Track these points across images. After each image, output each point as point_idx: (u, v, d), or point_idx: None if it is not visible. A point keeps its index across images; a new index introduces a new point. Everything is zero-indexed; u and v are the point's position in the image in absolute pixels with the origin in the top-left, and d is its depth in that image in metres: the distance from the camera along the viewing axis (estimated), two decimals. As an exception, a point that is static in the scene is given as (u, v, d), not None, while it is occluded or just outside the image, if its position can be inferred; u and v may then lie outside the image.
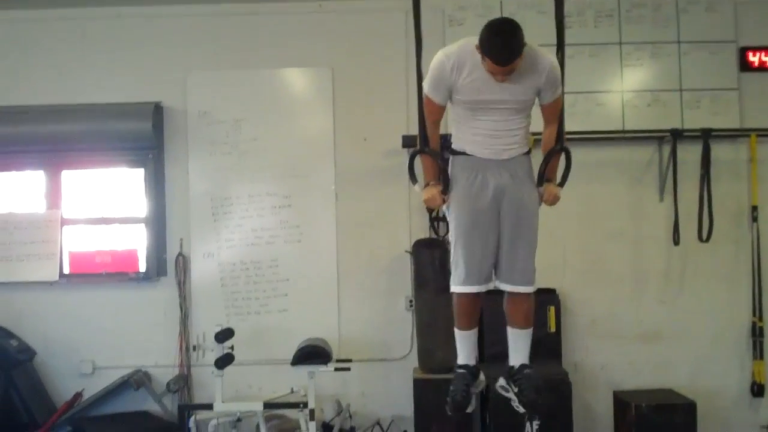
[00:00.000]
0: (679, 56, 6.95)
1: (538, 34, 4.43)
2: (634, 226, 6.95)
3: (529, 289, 4.39)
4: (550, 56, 4.23)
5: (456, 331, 4.53)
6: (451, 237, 4.44)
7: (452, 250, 4.41)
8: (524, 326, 4.45)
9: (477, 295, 4.38)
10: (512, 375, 4.50)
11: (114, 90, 6.97)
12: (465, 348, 4.53)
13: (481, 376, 4.69)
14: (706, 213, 6.68)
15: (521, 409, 4.47)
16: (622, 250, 6.95)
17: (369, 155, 6.97)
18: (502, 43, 3.95)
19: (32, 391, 6.76)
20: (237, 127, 7.02)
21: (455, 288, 4.40)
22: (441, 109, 4.37)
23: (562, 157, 4.41)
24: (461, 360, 4.55)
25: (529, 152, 4.43)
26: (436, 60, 4.25)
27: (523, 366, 4.46)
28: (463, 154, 4.37)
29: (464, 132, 4.37)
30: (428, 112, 4.34)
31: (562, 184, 4.43)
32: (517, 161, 4.35)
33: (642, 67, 6.97)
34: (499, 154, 4.31)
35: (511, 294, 4.41)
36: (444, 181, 4.34)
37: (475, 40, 4.05)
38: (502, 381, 4.59)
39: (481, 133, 4.30)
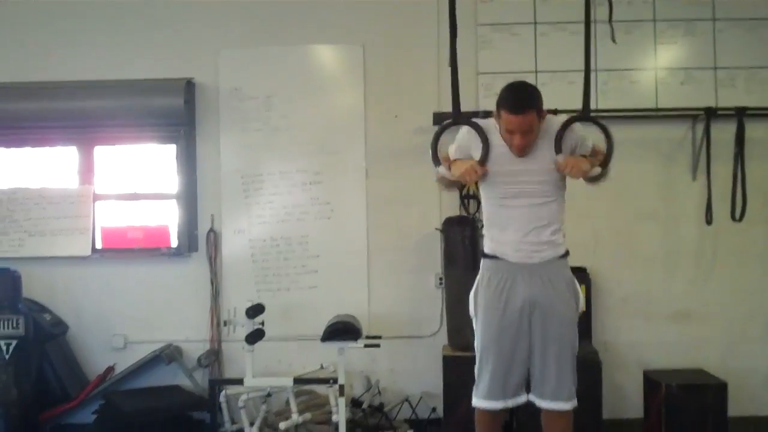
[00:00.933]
0: (714, 33, 6.87)
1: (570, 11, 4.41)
2: (666, 205, 6.91)
3: (563, 406, 4.20)
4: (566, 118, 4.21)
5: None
6: (476, 346, 4.33)
7: (476, 360, 4.30)
8: None
9: (499, 412, 4.25)
10: None
11: (147, 66, 7.00)
12: None
13: None
14: (739, 192, 6.62)
15: None
16: (653, 230, 6.91)
17: (400, 132, 6.95)
18: (516, 90, 4.05)
19: (65, 365, 6.83)
20: (268, 104, 7.03)
21: (476, 402, 4.28)
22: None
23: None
24: None
25: (565, 255, 4.28)
26: (461, 131, 4.30)
27: None
28: (493, 257, 4.26)
29: (494, 231, 4.26)
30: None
31: (605, 164, 4.26)
32: (551, 266, 4.19)
33: (676, 45, 6.90)
34: (530, 257, 4.15)
35: (545, 410, 4.24)
36: (484, 151, 4.19)
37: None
38: None
39: (510, 229, 4.18)
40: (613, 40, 4.39)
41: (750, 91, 6.81)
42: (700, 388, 6.06)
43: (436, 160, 4.32)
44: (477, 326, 4.30)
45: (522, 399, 4.22)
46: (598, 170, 4.23)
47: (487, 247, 4.32)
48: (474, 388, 4.28)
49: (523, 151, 4.08)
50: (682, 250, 6.90)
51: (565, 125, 4.16)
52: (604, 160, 4.24)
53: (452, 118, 4.46)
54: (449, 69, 4.61)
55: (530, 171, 4.13)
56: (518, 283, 4.15)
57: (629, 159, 6.69)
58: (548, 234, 4.20)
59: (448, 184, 4.53)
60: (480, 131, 4.23)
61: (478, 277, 4.30)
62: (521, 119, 3.96)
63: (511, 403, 4.19)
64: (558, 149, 4.16)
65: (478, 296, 4.26)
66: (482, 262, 4.33)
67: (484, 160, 4.19)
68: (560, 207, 4.25)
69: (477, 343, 4.30)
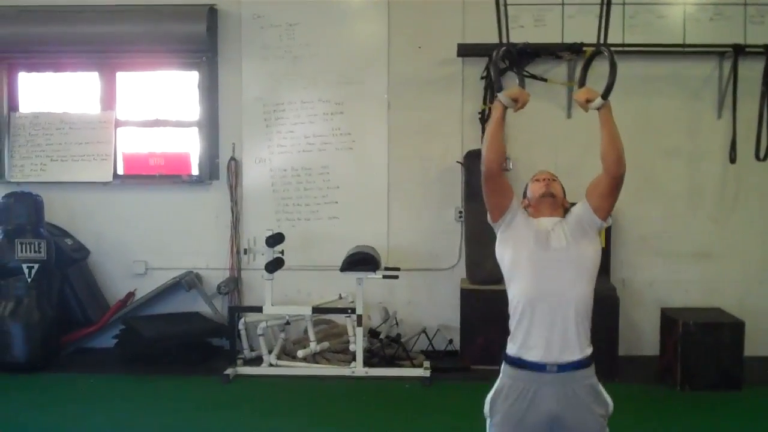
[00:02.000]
0: (746, -32, 6.74)
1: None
2: (689, 142, 6.85)
3: None
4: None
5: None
6: None
7: None
8: None
9: None
10: None
11: (169, -8, 6.94)
12: None
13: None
14: (765, 131, 6.55)
15: None
16: (676, 167, 6.86)
17: (423, 64, 6.89)
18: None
19: (86, 290, 6.92)
20: (290, 32, 6.97)
21: None
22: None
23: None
24: None
25: (592, 359, 3.71)
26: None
27: None
28: (518, 362, 3.70)
29: (519, 323, 3.91)
30: None
31: (605, 95, 4.13)
32: (579, 378, 3.66)
33: (706, -20, 6.78)
34: (556, 357, 3.60)
35: None
36: (520, 80, 4.16)
37: None
38: None
39: (538, 324, 3.79)
40: None
41: (780, 28, 6.70)
42: (716, 327, 6.06)
43: (499, 85, 4.12)
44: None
45: None
46: (600, 101, 4.05)
47: (510, 349, 3.73)
48: None
49: (550, 192, 3.85)
50: (705, 188, 6.85)
51: None
52: (605, 89, 4.05)
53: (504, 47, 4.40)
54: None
55: (553, 240, 3.89)
56: (540, 395, 3.65)
57: (654, 95, 6.64)
58: (573, 337, 3.64)
59: (494, 135, 4.21)
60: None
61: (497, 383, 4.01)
62: (546, 175, 3.81)
63: None
64: (582, 83, 4.09)
65: (496, 404, 3.95)
66: (503, 368, 3.71)
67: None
68: (588, 286, 3.70)
69: None
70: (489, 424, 3.85)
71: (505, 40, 4.67)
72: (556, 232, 3.62)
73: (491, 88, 4.22)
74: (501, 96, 3.93)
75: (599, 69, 3.66)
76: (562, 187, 3.76)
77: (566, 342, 3.61)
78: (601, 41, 4.35)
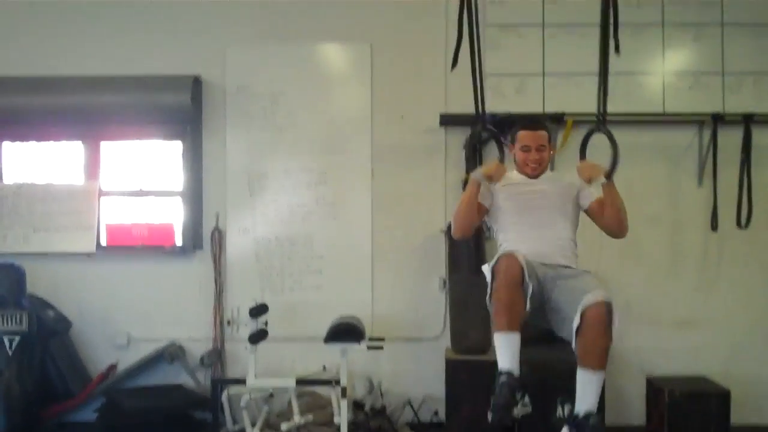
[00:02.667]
0: (723, 38, 6.85)
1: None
2: (671, 210, 6.89)
3: (605, 298, 3.98)
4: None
5: (495, 335, 4.05)
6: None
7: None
8: (597, 367, 3.97)
9: (517, 266, 4.00)
10: (575, 422, 4.02)
11: (153, 63, 6.98)
12: (506, 353, 4.02)
13: (527, 399, 4.25)
14: (745, 199, 6.62)
15: None
16: (659, 235, 6.89)
17: (406, 133, 6.94)
18: (531, 115, 4.66)
19: (68, 362, 6.83)
20: (275, 102, 7.01)
21: (494, 261, 4.10)
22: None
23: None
24: (502, 365, 4.02)
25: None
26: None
27: (588, 415, 3.97)
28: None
29: (508, 245, 4.43)
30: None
31: (610, 175, 4.31)
32: (563, 268, 4.41)
33: (684, 49, 6.88)
34: (546, 261, 4.39)
35: (587, 313, 3.97)
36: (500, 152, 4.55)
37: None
38: (559, 412, 4.17)
39: (524, 245, 4.33)
40: (617, 51, 4.39)
41: (758, 97, 6.80)
42: (703, 396, 6.06)
43: (470, 168, 4.52)
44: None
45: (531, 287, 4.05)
46: (603, 180, 4.36)
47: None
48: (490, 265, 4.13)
49: (538, 167, 4.34)
50: (688, 255, 6.88)
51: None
52: (610, 169, 4.33)
53: (478, 124, 4.71)
54: (467, 69, 4.72)
55: (545, 185, 4.48)
56: (538, 266, 4.29)
57: (635, 164, 6.68)
58: (562, 247, 4.48)
59: (466, 209, 4.49)
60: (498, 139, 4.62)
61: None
62: (536, 134, 4.38)
63: (523, 261, 4.00)
64: (582, 156, 4.48)
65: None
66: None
67: (501, 159, 4.50)
68: (573, 227, 4.55)
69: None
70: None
71: (482, 113, 4.79)
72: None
73: (471, 158, 4.60)
74: (474, 174, 4.29)
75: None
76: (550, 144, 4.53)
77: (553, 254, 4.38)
78: (600, 113, 4.46)
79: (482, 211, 4.57)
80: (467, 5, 4.45)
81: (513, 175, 4.64)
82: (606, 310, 3.97)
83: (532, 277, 4.07)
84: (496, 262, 4.09)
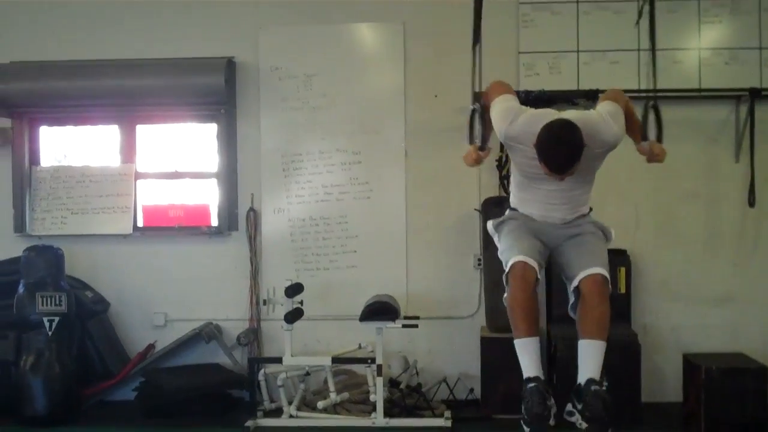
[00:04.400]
0: (760, 12, 6.76)
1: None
2: (708, 186, 6.83)
3: (602, 270, 4.03)
4: (604, 132, 4.14)
5: (516, 342, 4.09)
6: (500, 245, 4.31)
7: (502, 253, 4.23)
8: (595, 335, 3.98)
9: (532, 271, 4.01)
10: (577, 393, 4.02)
11: (187, 45, 7.02)
12: (529, 359, 4.05)
13: (552, 400, 4.07)
14: (783, 174, 6.55)
15: (584, 426, 4.03)
16: (695, 211, 6.84)
17: (439, 112, 6.91)
18: (559, 153, 3.91)
19: (107, 342, 6.91)
20: (308, 83, 7.02)
21: (507, 267, 4.09)
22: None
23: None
24: (528, 372, 4.03)
25: (589, 212, 4.39)
26: (502, 115, 4.25)
27: (590, 382, 3.96)
28: (517, 211, 4.37)
29: (520, 196, 4.35)
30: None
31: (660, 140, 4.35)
32: (576, 221, 4.33)
33: (720, 24, 6.79)
34: (555, 221, 4.29)
35: (583, 286, 4.05)
36: (482, 139, 4.35)
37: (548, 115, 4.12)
38: (569, 407, 4.12)
39: (537, 203, 4.28)
40: (638, 20, 4.40)
41: (796, 71, 6.71)
42: (740, 372, 6.00)
43: (471, 138, 4.35)
44: (500, 232, 4.32)
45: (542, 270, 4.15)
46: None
47: (513, 203, 4.40)
48: (506, 266, 4.12)
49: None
50: (724, 232, 6.83)
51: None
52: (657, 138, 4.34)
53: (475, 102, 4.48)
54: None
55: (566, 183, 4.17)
56: (545, 228, 4.27)
57: (672, 140, 6.41)
58: (577, 204, 4.30)
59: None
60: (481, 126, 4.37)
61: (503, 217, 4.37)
62: (564, 176, 4.00)
63: (535, 263, 4.02)
64: (644, 137, 4.34)
65: (502, 218, 4.35)
66: (507, 211, 4.41)
67: (484, 146, 4.33)
68: (590, 185, 4.32)
69: (501, 241, 4.28)
70: (499, 233, 4.34)
71: (477, 89, 4.69)
72: None
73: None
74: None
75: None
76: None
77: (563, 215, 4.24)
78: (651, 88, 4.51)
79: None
80: None
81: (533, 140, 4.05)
82: (602, 280, 4.02)
83: (541, 253, 4.19)
84: (511, 268, 4.06)
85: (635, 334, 6.24)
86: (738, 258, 6.81)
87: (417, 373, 6.73)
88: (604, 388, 3.96)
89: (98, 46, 7.08)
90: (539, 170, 4.04)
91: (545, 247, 4.25)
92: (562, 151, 3.88)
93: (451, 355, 6.89)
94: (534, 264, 4.03)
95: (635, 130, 4.38)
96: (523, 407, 3.94)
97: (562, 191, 4.18)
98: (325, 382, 6.34)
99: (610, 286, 4.08)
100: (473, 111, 4.38)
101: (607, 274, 4.05)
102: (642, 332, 6.51)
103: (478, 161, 4.34)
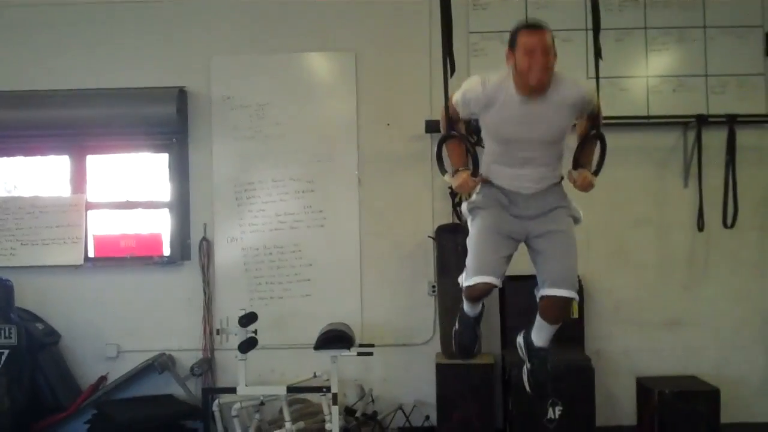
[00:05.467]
0: (705, 41, 6.90)
1: (565, 18, 4.48)
2: (658, 211, 6.93)
3: (566, 293, 4.17)
4: (583, 85, 4.26)
5: (465, 302, 4.46)
6: (468, 242, 4.34)
7: (468, 255, 4.29)
8: (553, 323, 4.32)
9: (489, 285, 4.17)
10: (529, 348, 4.44)
11: (139, 75, 6.99)
12: (471, 309, 4.49)
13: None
14: (731, 199, 6.65)
15: (527, 387, 4.50)
16: (646, 236, 6.92)
17: (392, 140, 6.96)
18: (532, 20, 4.16)
19: (58, 374, 6.80)
20: (260, 112, 7.02)
21: (467, 282, 4.23)
22: (461, 120, 4.35)
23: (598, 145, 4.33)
24: (467, 312, 4.51)
25: (560, 181, 4.38)
26: (473, 81, 4.21)
27: (540, 349, 4.39)
28: (490, 183, 4.34)
29: (492, 165, 4.31)
30: (452, 113, 4.29)
31: (596, 173, 4.36)
32: (547, 193, 4.30)
33: (667, 52, 6.92)
34: (527, 189, 4.27)
35: (550, 298, 4.20)
36: (474, 164, 4.24)
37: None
38: (520, 339, 4.51)
39: (509, 169, 4.26)
40: (599, 57, 4.41)
41: (741, 98, 6.84)
42: (692, 395, 6.08)
43: (442, 169, 4.36)
44: (472, 224, 4.37)
45: (501, 282, 4.25)
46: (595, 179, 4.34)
47: (484, 172, 4.34)
48: (463, 276, 4.31)
49: (545, 73, 4.00)
50: (675, 256, 6.91)
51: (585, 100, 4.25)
52: (596, 169, 4.34)
53: (446, 132, 4.42)
54: (454, 76, 4.56)
55: (539, 127, 4.15)
56: (515, 203, 4.28)
57: (621, 166, 6.70)
58: (548, 171, 4.29)
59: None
60: (473, 151, 4.28)
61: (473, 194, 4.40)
62: (540, 37, 3.99)
63: (497, 281, 4.17)
64: (574, 166, 4.30)
65: (476, 201, 4.35)
66: (479, 186, 4.39)
67: (476, 173, 4.25)
68: (560, 152, 4.32)
69: (470, 237, 4.33)
70: (471, 222, 4.38)
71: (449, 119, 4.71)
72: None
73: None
74: (447, 178, 4.28)
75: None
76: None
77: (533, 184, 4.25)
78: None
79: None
80: (446, 12, 4.37)
81: (509, 90, 4.12)
82: (563, 305, 4.24)
83: (507, 260, 4.30)
84: (472, 287, 4.22)
85: (588, 358, 6.28)
86: (689, 282, 6.89)
87: (373, 401, 6.72)
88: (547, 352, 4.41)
89: (48, 76, 7.03)
90: (514, 126, 4.13)
91: (514, 243, 4.29)
92: (533, 19, 4.19)
93: (406, 382, 6.88)
94: (496, 282, 4.18)
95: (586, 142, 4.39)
96: (455, 332, 4.59)
97: (533, 157, 4.20)
98: (281, 411, 6.30)
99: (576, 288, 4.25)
100: (441, 141, 4.37)
101: (573, 293, 4.20)
102: (595, 357, 6.54)
103: (473, 188, 4.35)
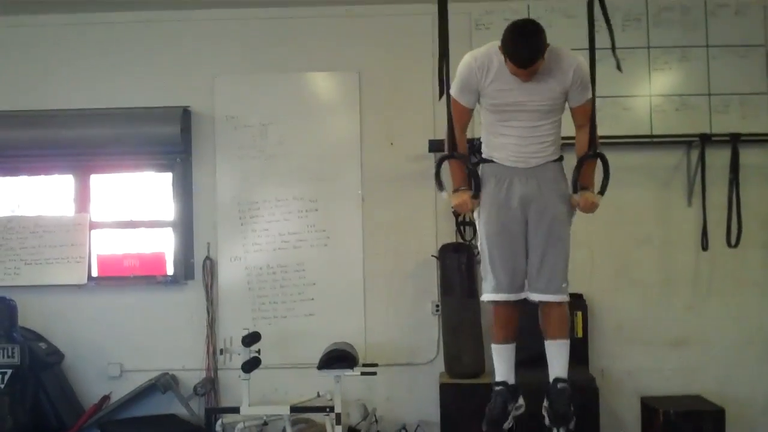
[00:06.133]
0: (708, 60, 6.90)
1: (566, 37, 4.48)
2: (662, 231, 6.92)
3: (557, 298, 4.32)
4: (576, 56, 4.27)
5: (493, 346, 4.49)
6: (480, 246, 4.44)
7: (482, 259, 4.42)
8: (557, 336, 4.35)
9: (509, 303, 4.34)
10: (547, 393, 4.39)
11: (143, 94, 7.01)
12: (502, 364, 4.46)
13: (521, 400, 4.57)
14: (735, 218, 6.63)
15: (548, 422, 4.39)
16: (650, 256, 6.91)
17: (395, 159, 6.97)
18: (523, 45, 4.03)
19: (60, 394, 6.79)
20: (264, 132, 7.04)
21: (486, 296, 4.39)
22: (468, 113, 4.38)
23: (598, 163, 4.36)
24: (499, 377, 4.47)
25: (560, 159, 4.42)
26: (463, 63, 4.30)
27: (556, 381, 4.35)
28: (491, 161, 4.38)
29: (492, 139, 4.36)
30: (455, 116, 4.33)
31: (602, 192, 4.38)
32: (546, 168, 4.34)
33: (670, 72, 6.93)
34: (527, 162, 4.31)
35: (542, 303, 4.35)
36: (474, 185, 4.31)
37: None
38: (546, 402, 4.44)
39: (508, 140, 4.29)
40: (619, 69, 4.45)
41: (744, 116, 6.84)
42: (697, 415, 6.05)
43: (440, 186, 4.38)
44: (479, 228, 4.45)
45: (523, 294, 4.36)
46: (599, 199, 4.41)
47: (485, 152, 4.44)
48: (483, 285, 4.45)
49: (532, 78, 4.14)
50: (679, 276, 6.90)
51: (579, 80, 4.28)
52: (601, 189, 4.37)
53: (447, 151, 4.44)
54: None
55: (533, 95, 4.22)
56: (515, 184, 4.31)
57: (625, 185, 6.68)
58: (547, 145, 4.33)
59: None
60: (473, 172, 4.36)
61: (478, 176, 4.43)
62: (528, 71, 4.07)
63: (515, 297, 4.33)
64: (574, 189, 4.34)
65: (480, 199, 4.38)
66: (481, 167, 4.45)
67: (476, 194, 4.32)
68: (557, 124, 4.37)
69: (480, 244, 4.45)
70: (478, 223, 4.48)
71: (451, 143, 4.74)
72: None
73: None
74: (446, 196, 4.32)
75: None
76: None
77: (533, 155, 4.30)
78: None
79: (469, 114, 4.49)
80: (443, 31, 4.39)
81: (500, 57, 4.18)
82: (562, 308, 4.38)
83: (522, 270, 4.37)
84: (494, 310, 4.44)
85: (593, 377, 6.27)
86: (693, 301, 6.87)
87: (376, 421, 6.69)
88: (565, 385, 4.34)
89: (52, 96, 7.05)
90: (509, 93, 4.18)
91: (522, 239, 4.35)
92: (524, 44, 4.03)
93: (410, 402, 6.86)
94: (516, 298, 4.33)
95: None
96: (488, 406, 4.39)
97: (531, 128, 4.25)
98: (284, 431, 6.28)
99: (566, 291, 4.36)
100: (440, 160, 4.41)
101: (560, 297, 4.33)
102: (599, 376, 6.54)
103: (473, 208, 4.43)
